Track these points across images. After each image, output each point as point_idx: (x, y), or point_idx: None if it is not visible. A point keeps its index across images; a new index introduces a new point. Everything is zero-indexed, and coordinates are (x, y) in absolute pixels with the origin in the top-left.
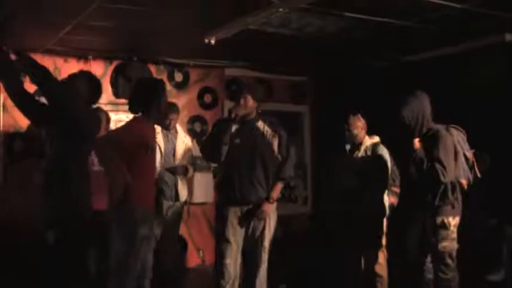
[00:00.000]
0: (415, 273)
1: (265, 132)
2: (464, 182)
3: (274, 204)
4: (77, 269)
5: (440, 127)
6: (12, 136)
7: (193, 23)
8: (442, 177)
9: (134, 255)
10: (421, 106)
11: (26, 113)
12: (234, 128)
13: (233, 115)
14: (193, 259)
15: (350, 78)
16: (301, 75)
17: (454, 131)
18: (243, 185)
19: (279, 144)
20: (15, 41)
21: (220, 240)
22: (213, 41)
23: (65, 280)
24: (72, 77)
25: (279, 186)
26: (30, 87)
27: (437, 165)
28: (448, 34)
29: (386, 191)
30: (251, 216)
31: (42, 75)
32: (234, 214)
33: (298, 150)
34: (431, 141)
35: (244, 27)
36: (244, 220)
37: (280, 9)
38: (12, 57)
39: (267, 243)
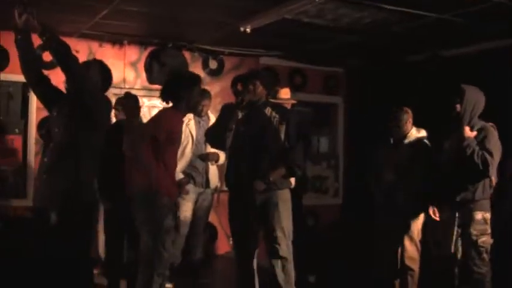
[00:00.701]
0: (447, 267)
1: (272, 119)
2: (494, 179)
3: (285, 192)
4: (77, 252)
5: (483, 123)
6: (45, 119)
7: (230, 11)
8: (490, 169)
9: (161, 242)
10: (477, 99)
11: (39, 93)
12: (241, 114)
13: (239, 100)
14: (223, 246)
15: (385, 71)
16: (336, 66)
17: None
18: (247, 173)
19: (286, 132)
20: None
21: (231, 231)
22: (248, 30)
23: (63, 263)
24: (84, 65)
25: (280, 170)
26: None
27: (489, 157)
28: (486, 28)
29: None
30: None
31: (64, 52)
32: (239, 203)
33: (330, 141)
34: (481, 134)
35: (280, 17)
36: (250, 209)
37: (316, 0)
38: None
39: (280, 232)
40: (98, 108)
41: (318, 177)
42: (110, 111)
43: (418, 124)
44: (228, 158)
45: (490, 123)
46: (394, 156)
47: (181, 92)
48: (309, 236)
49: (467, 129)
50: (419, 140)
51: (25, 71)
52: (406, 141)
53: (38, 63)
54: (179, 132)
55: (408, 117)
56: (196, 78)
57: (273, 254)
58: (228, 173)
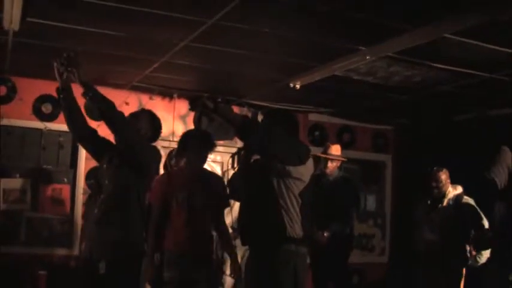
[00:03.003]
0: None
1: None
2: None
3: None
4: None
5: None
6: (94, 169)
7: (280, 68)
8: None
9: None
10: (507, 161)
11: (87, 147)
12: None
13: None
14: None
15: (433, 129)
16: (385, 124)
17: None
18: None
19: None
20: (101, 77)
21: None
22: (298, 86)
23: None
24: (134, 115)
25: None
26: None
27: None
28: None
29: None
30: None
31: (107, 109)
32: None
33: (377, 199)
34: None
35: (330, 74)
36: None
37: (368, 57)
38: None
39: None
40: (147, 160)
41: (364, 235)
42: (159, 163)
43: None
44: (239, 211)
45: None
46: (433, 216)
47: (189, 150)
48: None
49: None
50: (459, 199)
51: (70, 126)
52: (445, 200)
53: (82, 118)
54: (182, 189)
55: (446, 177)
56: (205, 138)
57: None
58: (241, 228)
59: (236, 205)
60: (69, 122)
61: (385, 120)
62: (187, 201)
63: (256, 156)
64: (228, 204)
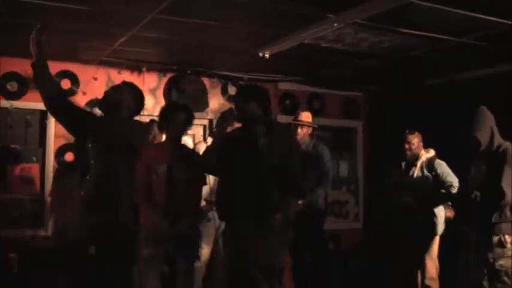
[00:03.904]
0: None
1: (258, 137)
2: None
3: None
4: (118, 282)
5: (509, 144)
6: (63, 147)
7: (248, 37)
8: (508, 198)
9: (139, 273)
10: (489, 122)
11: (60, 117)
12: (235, 134)
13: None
14: None
15: (404, 94)
16: (355, 90)
17: None
18: (235, 198)
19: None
20: (69, 53)
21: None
22: (267, 55)
23: None
24: (115, 88)
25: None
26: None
27: (504, 186)
28: (503, 51)
29: (442, 205)
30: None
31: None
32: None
33: (349, 165)
34: (499, 158)
35: (299, 42)
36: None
37: (335, 24)
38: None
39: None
40: (124, 136)
41: (337, 202)
42: (143, 135)
43: (433, 148)
44: (218, 184)
45: None
46: (407, 179)
47: (166, 123)
48: (330, 260)
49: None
50: (432, 162)
51: (46, 101)
52: (418, 163)
53: (58, 89)
54: (161, 161)
55: (419, 140)
56: (178, 109)
57: None
58: (224, 202)
59: (210, 179)
60: (45, 99)
61: (355, 86)
62: (167, 174)
63: (231, 128)
64: (205, 182)
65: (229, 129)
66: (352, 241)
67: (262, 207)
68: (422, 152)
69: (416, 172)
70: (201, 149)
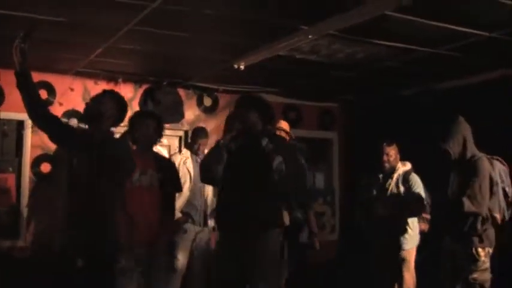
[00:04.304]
0: None
1: (266, 150)
2: (498, 216)
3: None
4: None
5: (483, 156)
6: (40, 157)
7: (223, 49)
8: (467, 209)
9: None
10: (463, 132)
11: (48, 131)
12: (234, 144)
13: (230, 128)
14: None
15: (379, 105)
16: (331, 101)
17: (496, 163)
18: (235, 209)
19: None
20: (45, 63)
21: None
22: (242, 67)
23: None
24: (97, 97)
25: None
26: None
27: (465, 198)
28: (477, 62)
29: (417, 218)
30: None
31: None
32: (230, 241)
33: (325, 176)
34: (470, 169)
35: (274, 54)
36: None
37: (310, 36)
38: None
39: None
40: (117, 147)
41: (314, 213)
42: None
43: (410, 158)
44: (219, 194)
45: (495, 157)
46: (383, 191)
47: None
48: (306, 273)
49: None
50: (407, 175)
51: (31, 112)
52: (395, 175)
53: (42, 102)
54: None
55: (396, 152)
56: (137, 116)
57: None
58: (221, 211)
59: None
60: (29, 108)
61: (331, 97)
62: (139, 181)
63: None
64: (180, 189)
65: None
66: (328, 253)
67: (266, 219)
68: (399, 164)
69: (392, 185)
70: (176, 160)
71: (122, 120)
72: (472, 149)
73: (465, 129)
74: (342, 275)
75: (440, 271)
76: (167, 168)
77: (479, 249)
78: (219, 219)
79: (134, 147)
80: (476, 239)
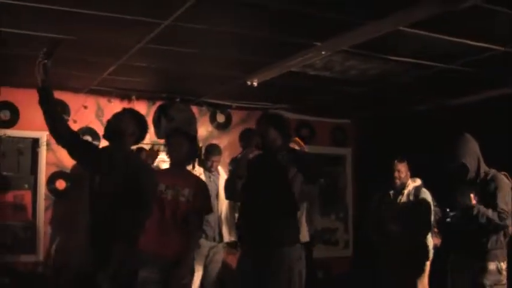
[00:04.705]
0: None
1: (283, 164)
2: (511, 228)
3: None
4: None
5: (495, 171)
6: (55, 174)
7: (236, 65)
8: (506, 222)
9: None
10: (475, 149)
11: (64, 143)
12: (254, 161)
13: (246, 145)
14: None
15: (393, 121)
16: (344, 117)
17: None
18: (254, 225)
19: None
20: (59, 81)
21: None
22: (255, 83)
23: None
24: (118, 114)
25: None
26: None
27: (502, 211)
28: (491, 77)
29: (429, 233)
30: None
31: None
32: (248, 256)
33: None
34: (490, 185)
35: (287, 70)
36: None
37: (323, 52)
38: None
39: None
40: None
41: (327, 230)
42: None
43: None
44: (239, 209)
45: (502, 172)
46: (394, 208)
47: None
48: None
49: (471, 197)
50: (418, 191)
51: (52, 128)
52: (406, 191)
53: (63, 120)
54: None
55: (406, 169)
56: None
57: None
58: (240, 227)
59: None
60: (51, 124)
61: (344, 113)
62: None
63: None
64: (210, 211)
65: (250, 156)
66: (341, 269)
67: (281, 236)
68: (409, 181)
69: (403, 200)
70: None
71: (142, 138)
72: (483, 166)
73: (476, 146)
74: None
75: (454, 285)
76: (198, 187)
77: (502, 263)
78: (239, 234)
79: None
80: (500, 252)
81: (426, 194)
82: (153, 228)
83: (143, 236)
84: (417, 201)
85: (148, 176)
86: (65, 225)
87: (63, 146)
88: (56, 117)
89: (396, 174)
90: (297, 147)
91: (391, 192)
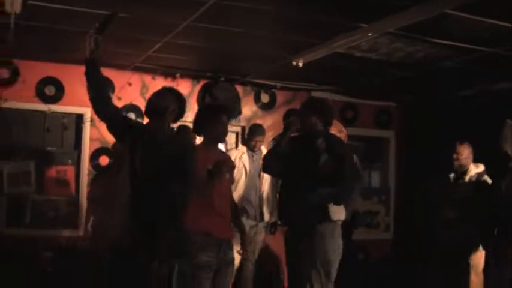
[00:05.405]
0: None
1: (320, 150)
2: None
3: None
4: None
5: None
6: (98, 150)
7: (282, 46)
8: None
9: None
10: None
11: (106, 117)
12: (293, 144)
13: (287, 127)
14: None
15: (438, 105)
16: (388, 100)
17: None
18: (291, 205)
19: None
20: (104, 58)
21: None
22: (300, 64)
23: None
24: (158, 92)
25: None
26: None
27: None
28: None
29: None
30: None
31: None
32: (290, 236)
33: (381, 175)
34: None
35: (332, 51)
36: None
37: (369, 34)
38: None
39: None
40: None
41: (368, 212)
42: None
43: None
44: (280, 192)
45: None
46: (454, 193)
47: (206, 125)
48: (360, 271)
49: None
50: (480, 177)
51: (95, 101)
52: (467, 177)
53: (108, 94)
54: (208, 163)
55: (469, 152)
56: (218, 110)
57: None
58: (281, 209)
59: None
60: (93, 96)
61: (388, 96)
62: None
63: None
64: (233, 181)
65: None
66: (382, 252)
67: (314, 216)
68: (472, 166)
69: (464, 187)
70: (232, 155)
71: (182, 116)
72: None
73: None
74: (396, 274)
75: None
76: (231, 162)
77: None
78: (280, 214)
79: (200, 142)
80: None
81: (487, 181)
82: (204, 210)
83: (193, 216)
84: (479, 187)
85: (193, 155)
86: (103, 201)
87: (103, 120)
88: (100, 90)
89: (455, 156)
90: (336, 132)
91: (452, 175)
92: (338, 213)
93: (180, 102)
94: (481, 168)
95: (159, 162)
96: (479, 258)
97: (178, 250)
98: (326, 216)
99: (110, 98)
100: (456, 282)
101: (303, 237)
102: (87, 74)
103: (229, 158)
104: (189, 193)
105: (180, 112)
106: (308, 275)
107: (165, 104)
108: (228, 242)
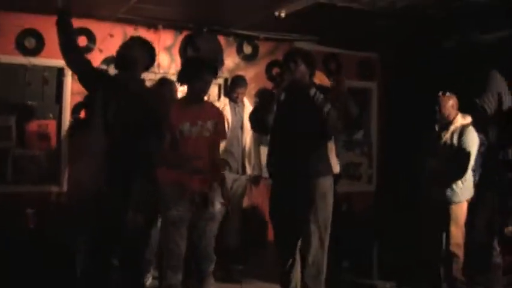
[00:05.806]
0: (482, 254)
1: (316, 100)
2: None
3: (327, 179)
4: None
5: None
6: (80, 104)
7: None
8: None
9: (167, 235)
10: (498, 88)
11: (76, 68)
12: (283, 96)
13: (278, 80)
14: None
15: (420, 56)
16: (371, 51)
17: None
18: (286, 157)
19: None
20: (85, 10)
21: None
22: (283, 14)
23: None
24: (126, 43)
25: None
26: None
27: None
28: None
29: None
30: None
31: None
32: (283, 192)
33: (364, 127)
34: None
35: (315, 1)
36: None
37: None
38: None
39: (314, 225)
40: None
41: (351, 164)
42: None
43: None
44: (270, 143)
45: None
46: (438, 143)
47: (190, 76)
48: (343, 221)
49: None
50: (464, 128)
51: (67, 55)
52: (452, 127)
53: (79, 47)
54: (188, 116)
55: (453, 103)
56: (204, 64)
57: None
58: (271, 160)
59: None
60: (64, 48)
61: (371, 47)
62: (189, 132)
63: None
64: (225, 137)
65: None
66: (364, 203)
67: (315, 168)
68: (459, 116)
69: (446, 137)
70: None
71: (152, 64)
72: (508, 104)
73: (500, 85)
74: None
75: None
76: (217, 117)
77: None
78: (270, 167)
79: (184, 97)
80: None
81: (471, 134)
82: (177, 163)
83: (166, 169)
84: (460, 141)
85: (165, 110)
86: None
87: (75, 71)
88: (70, 41)
89: (437, 108)
90: (318, 82)
91: (436, 126)
92: (336, 165)
93: (149, 51)
94: (467, 119)
95: (131, 114)
96: (460, 208)
97: (150, 200)
98: (328, 169)
99: (80, 50)
100: (438, 233)
101: (299, 191)
102: (58, 24)
103: (219, 113)
104: (160, 146)
105: (150, 61)
106: (306, 230)
107: (134, 54)
108: (203, 196)
